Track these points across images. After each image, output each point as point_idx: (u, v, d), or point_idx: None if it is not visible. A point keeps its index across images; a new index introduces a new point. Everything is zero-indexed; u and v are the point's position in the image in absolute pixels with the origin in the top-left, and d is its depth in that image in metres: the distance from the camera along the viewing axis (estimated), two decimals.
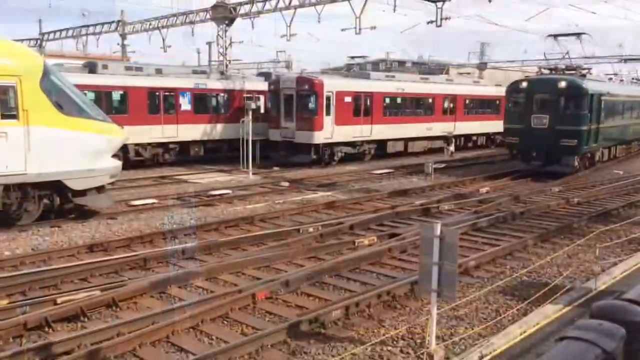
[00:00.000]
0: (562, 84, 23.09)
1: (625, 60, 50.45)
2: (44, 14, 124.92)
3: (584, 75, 25.83)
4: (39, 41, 43.75)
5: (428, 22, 25.86)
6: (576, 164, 23.17)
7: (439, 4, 23.82)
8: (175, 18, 34.83)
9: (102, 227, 14.11)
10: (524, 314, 8.44)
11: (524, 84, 24.38)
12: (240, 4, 30.71)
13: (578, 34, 27.25)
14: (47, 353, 6.97)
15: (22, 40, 40.22)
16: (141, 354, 7.18)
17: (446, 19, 24.90)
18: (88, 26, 40.09)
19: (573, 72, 26.23)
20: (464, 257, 11.36)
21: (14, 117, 12.87)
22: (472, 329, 8.00)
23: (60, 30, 42.17)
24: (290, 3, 28.27)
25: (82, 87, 19.47)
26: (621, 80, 36.95)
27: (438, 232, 6.61)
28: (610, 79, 35.86)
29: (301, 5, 27.80)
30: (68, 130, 13.69)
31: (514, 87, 25.19)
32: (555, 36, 27.38)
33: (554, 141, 22.78)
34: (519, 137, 23.88)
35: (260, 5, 29.63)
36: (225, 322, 8.25)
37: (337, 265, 10.58)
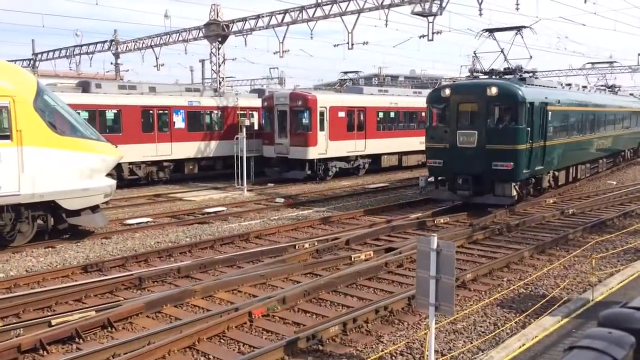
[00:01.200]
0: (493, 90, 17.39)
1: (593, 64, 50.26)
2: (36, 34, 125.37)
3: (523, 79, 19.25)
4: (32, 61, 43.77)
5: (420, 37, 26.10)
6: (514, 193, 17.64)
7: (430, 19, 24.03)
8: (168, 36, 34.97)
9: (97, 246, 14.01)
10: (522, 327, 8.40)
11: (447, 92, 18.43)
12: (233, 21, 30.89)
13: (518, 28, 20.56)
14: None
15: (15, 60, 40.27)
16: None
17: (438, 32, 25.12)
18: (81, 46, 40.16)
19: (510, 75, 19.90)
20: (461, 270, 11.34)
21: (8, 137, 12.83)
22: (471, 343, 7.96)
23: (54, 50, 42.21)
24: (282, 20, 28.46)
25: (75, 107, 19.49)
26: (584, 87, 29.43)
27: (435, 245, 6.59)
28: (584, 86, 30.32)
29: (293, 22, 27.99)
30: (62, 149, 13.65)
31: (435, 96, 19.21)
32: (491, 31, 20.75)
33: (485, 164, 17.46)
34: (443, 159, 18.40)
35: (252, 22, 29.81)
36: (222, 340, 8.17)
37: (333, 281, 10.52)
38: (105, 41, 39.43)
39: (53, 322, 8.58)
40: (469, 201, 18.12)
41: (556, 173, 21.11)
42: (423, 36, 25.41)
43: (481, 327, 8.65)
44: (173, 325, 8.44)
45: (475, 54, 21.57)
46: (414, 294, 8.02)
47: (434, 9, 23.55)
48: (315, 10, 26.98)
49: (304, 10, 27.44)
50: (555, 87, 22.02)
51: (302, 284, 10.14)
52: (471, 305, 9.57)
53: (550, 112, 19.15)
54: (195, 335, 8.02)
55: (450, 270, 6.57)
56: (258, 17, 29.52)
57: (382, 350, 7.68)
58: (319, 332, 8.06)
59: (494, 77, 19.88)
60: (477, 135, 17.61)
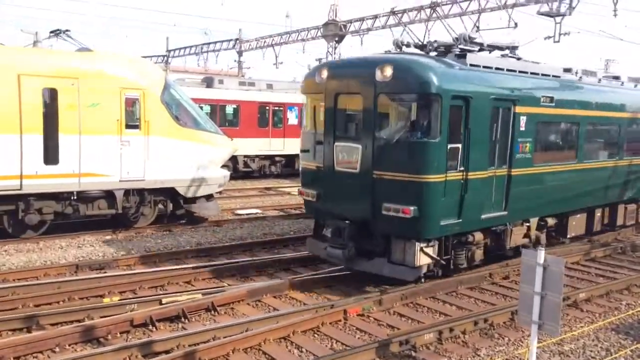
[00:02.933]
0: (385, 72, 9.64)
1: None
2: (170, 32, 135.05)
3: (462, 56, 10.66)
4: (165, 57, 47.25)
5: (545, 38, 24.64)
6: (420, 261, 9.76)
7: (557, 19, 22.60)
8: (288, 36, 36.10)
9: (208, 233, 14.82)
10: (639, 356, 7.66)
11: (323, 74, 10.73)
12: (350, 21, 31.19)
13: None
14: (148, 350, 7.39)
15: (150, 56, 43.71)
16: (233, 359, 7.40)
17: (565, 34, 23.57)
18: (209, 44, 42.68)
19: (442, 50, 11.04)
20: (573, 288, 10.58)
21: (137, 127, 13.95)
22: None
23: (184, 48, 45.27)
24: (400, 20, 28.24)
25: (199, 101, 20.76)
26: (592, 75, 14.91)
27: (542, 259, 6.20)
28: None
29: (411, 22, 27.65)
30: (184, 140, 14.62)
31: (309, 82, 11.34)
32: None
33: (372, 205, 9.90)
34: (318, 189, 10.87)
35: (370, 22, 29.90)
36: (315, 335, 8.29)
37: (433, 288, 10.26)
38: (230, 40, 41.57)
39: (164, 300, 9.22)
40: (347, 266, 10.65)
41: (541, 222, 12.33)
42: (549, 37, 23.97)
43: (591, 351, 8.00)
44: (270, 315, 8.72)
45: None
46: (517, 309, 7.62)
47: (563, 9, 22.13)
48: (434, 10, 26.46)
49: (422, 10, 27.02)
50: (537, 75, 11.97)
51: (400, 288, 9.99)
52: (582, 327, 8.89)
53: (522, 117, 10.94)
54: (291, 327, 8.21)
55: (557, 288, 6.14)
56: (375, 17, 29.56)
57: None
58: (412, 337, 7.91)
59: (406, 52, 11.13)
60: (361, 151, 9.88)
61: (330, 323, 8.62)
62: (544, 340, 7.96)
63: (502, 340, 8.30)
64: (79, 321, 8.32)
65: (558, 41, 23.20)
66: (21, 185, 12.57)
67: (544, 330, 6.47)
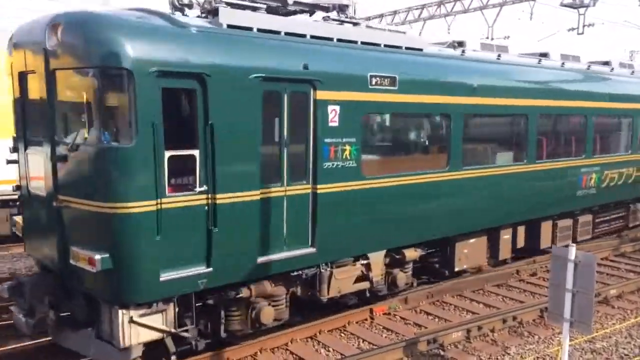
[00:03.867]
0: (56, 34, 6.13)
1: None
2: None
3: (215, 13, 7.04)
4: None
5: (569, 30, 24.25)
6: (128, 340, 6.24)
7: (581, 10, 22.19)
8: None
9: None
10: None
11: (12, 43, 7.29)
12: (369, 18, 31.02)
13: None
14: None
15: None
16: (260, 359, 7.40)
17: (589, 25, 23.14)
18: None
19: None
20: (603, 284, 10.38)
21: None
22: None
23: None
24: (420, 15, 28.01)
25: None
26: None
27: (572, 255, 6.07)
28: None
29: (431, 17, 27.44)
30: None
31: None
32: None
33: (58, 247, 6.52)
34: (22, 219, 7.67)
35: (389, 18, 29.71)
36: (342, 334, 8.25)
37: (459, 285, 10.16)
38: None
39: None
40: (54, 338, 7.22)
41: (397, 255, 8.90)
42: (572, 29, 23.56)
43: (624, 349, 7.84)
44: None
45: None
46: (546, 306, 7.50)
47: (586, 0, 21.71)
48: (454, 4, 26.19)
49: (442, 5, 26.77)
50: (365, 46, 8.23)
51: (425, 286, 9.91)
52: (614, 324, 8.72)
53: (332, 107, 7.55)
54: (317, 327, 8.19)
55: (589, 285, 6.02)
56: (395, 12, 29.36)
57: None
58: (440, 336, 7.84)
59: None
60: (44, 164, 6.66)
61: (356, 322, 8.58)
62: (575, 338, 7.82)
63: (531, 339, 8.18)
64: None
65: (582, 33, 22.80)
66: None
67: (575, 328, 6.35)
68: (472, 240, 10.03)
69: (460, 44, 10.26)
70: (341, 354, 7.49)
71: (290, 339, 7.84)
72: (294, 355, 7.53)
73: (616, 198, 13.33)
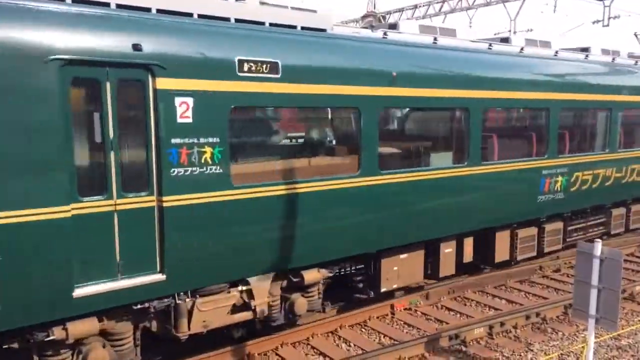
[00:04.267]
0: None
1: None
2: None
3: None
4: None
5: (594, 22, 23.81)
6: None
7: (606, 2, 21.76)
8: None
9: None
10: None
11: None
12: (390, 12, 30.85)
13: None
14: None
15: None
16: (282, 353, 7.42)
17: (615, 17, 22.70)
18: None
19: None
20: (629, 280, 10.19)
21: None
22: None
23: None
24: (440, 9, 27.76)
25: None
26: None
27: (598, 251, 5.97)
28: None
29: (452, 11, 27.16)
30: None
31: None
32: None
33: None
34: None
35: (409, 12, 29.51)
36: (363, 329, 8.23)
37: (481, 281, 10.07)
38: None
39: None
40: None
41: (296, 278, 7.56)
42: (597, 22, 23.12)
43: None
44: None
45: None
46: (570, 302, 7.40)
47: None
48: None
49: None
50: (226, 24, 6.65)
51: (447, 282, 9.84)
52: (639, 321, 8.57)
53: (180, 100, 6.07)
54: (338, 322, 8.19)
55: (615, 281, 5.92)
56: (415, 7, 29.15)
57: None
58: (462, 332, 7.79)
59: None
60: None
61: (377, 317, 8.56)
62: (600, 335, 7.70)
63: (555, 335, 8.07)
64: None
65: (607, 25, 22.36)
66: None
67: (601, 325, 6.24)
68: (403, 256, 8.52)
69: (393, 26, 8.88)
70: (362, 349, 7.48)
71: (312, 333, 7.85)
72: (315, 350, 7.53)
73: (591, 203, 11.50)
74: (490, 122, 9.44)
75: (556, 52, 10.89)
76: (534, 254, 10.67)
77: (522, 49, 10.17)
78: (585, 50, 12.04)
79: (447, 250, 9.21)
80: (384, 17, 31.07)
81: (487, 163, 9.18)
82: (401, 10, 30.00)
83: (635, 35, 15.57)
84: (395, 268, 8.48)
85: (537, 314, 8.52)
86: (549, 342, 7.83)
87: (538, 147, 10.06)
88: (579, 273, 6.20)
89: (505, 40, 10.62)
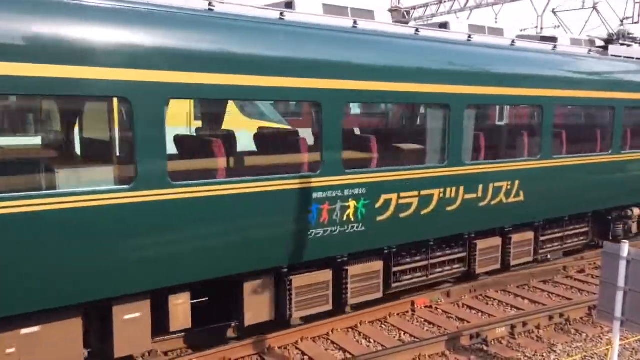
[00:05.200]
0: None
1: None
2: None
3: None
4: None
5: (622, 20, 23.28)
6: None
7: None
8: None
9: None
10: None
11: None
12: (415, 7, 30.61)
13: None
14: None
15: None
16: (301, 347, 7.45)
17: None
18: None
19: None
20: None
21: None
22: None
23: None
24: (466, 4, 27.44)
25: None
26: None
27: (625, 253, 5.87)
28: None
29: (478, 6, 26.82)
30: None
31: None
32: None
33: None
34: None
35: (434, 8, 29.24)
36: (383, 326, 8.22)
37: (503, 280, 9.97)
38: None
39: None
40: None
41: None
42: (627, 19, 22.62)
43: None
44: None
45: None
46: (595, 304, 7.28)
47: None
48: None
49: None
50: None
51: (469, 280, 9.76)
52: None
53: None
54: (358, 318, 8.19)
55: None
56: (440, 2, 28.85)
57: None
58: (484, 331, 7.72)
59: None
60: None
61: (397, 314, 8.54)
62: (625, 337, 7.57)
63: (579, 337, 7.96)
64: None
65: (637, 22, 21.87)
66: None
67: (626, 327, 6.14)
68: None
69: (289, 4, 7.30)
70: (382, 345, 7.47)
71: (332, 328, 7.86)
72: (335, 345, 7.55)
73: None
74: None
75: (512, 41, 9.35)
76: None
77: (469, 36, 8.74)
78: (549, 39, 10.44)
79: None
80: (408, 13, 30.84)
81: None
82: (426, 5, 29.72)
83: None
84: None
85: (561, 315, 8.41)
86: (572, 343, 7.73)
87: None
88: (605, 274, 6.10)
89: (444, 26, 9.10)
